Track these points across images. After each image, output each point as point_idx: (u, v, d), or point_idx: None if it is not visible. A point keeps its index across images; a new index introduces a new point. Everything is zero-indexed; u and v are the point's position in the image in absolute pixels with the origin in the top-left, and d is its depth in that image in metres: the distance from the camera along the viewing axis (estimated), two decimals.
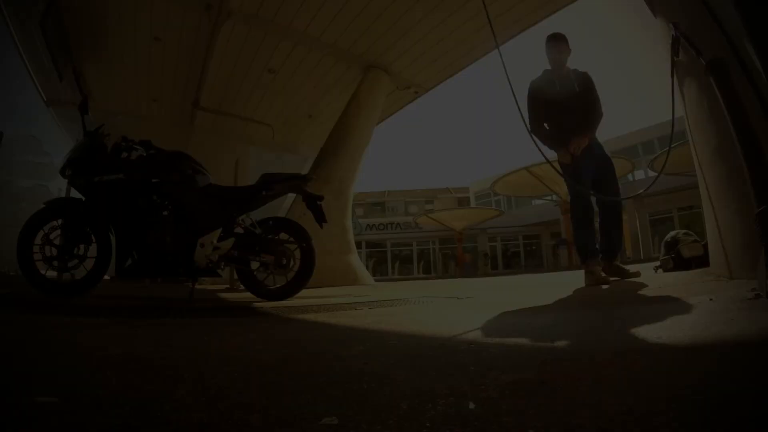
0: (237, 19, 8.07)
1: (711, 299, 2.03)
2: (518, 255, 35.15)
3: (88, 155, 3.53)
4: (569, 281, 4.72)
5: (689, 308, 1.92)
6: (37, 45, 8.00)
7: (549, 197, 27.28)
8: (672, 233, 4.76)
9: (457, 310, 2.74)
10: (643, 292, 2.96)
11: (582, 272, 3.94)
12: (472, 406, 0.80)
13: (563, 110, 4.08)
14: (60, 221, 3.46)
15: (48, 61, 8.31)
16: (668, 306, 2.12)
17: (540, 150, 3.80)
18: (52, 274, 3.46)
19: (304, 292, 3.97)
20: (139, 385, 1.02)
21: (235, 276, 3.75)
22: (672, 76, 3.34)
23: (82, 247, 3.51)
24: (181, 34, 8.48)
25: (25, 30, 7.94)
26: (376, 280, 10.08)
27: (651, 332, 1.45)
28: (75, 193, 3.59)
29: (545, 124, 4.18)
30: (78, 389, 0.97)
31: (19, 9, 7.52)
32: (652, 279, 3.77)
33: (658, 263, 4.82)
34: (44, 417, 0.77)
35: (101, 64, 9.45)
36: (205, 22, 8.03)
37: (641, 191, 7.27)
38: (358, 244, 10.39)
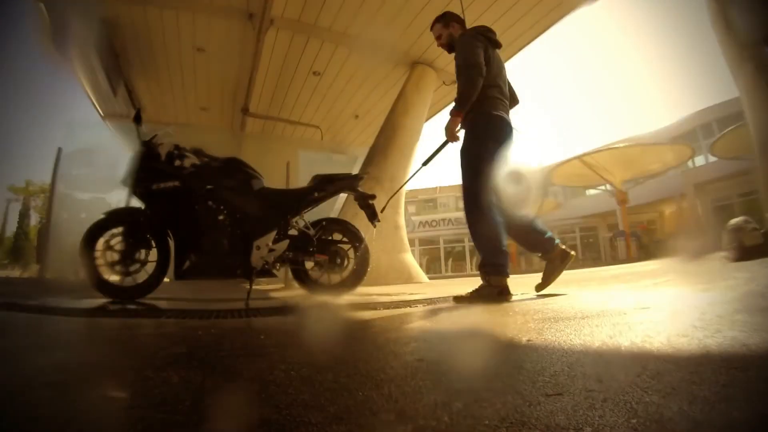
0: (279, 25, 8.24)
1: None
2: (575, 248, 34.00)
3: (145, 164, 3.71)
4: (629, 274, 4.53)
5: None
6: (92, 64, 8.50)
7: (602, 187, 26.16)
8: (734, 221, 4.50)
9: (514, 306, 2.69)
10: (709, 285, 2.80)
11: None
12: (528, 405, 0.79)
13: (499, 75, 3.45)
14: (121, 228, 3.67)
15: (103, 78, 8.85)
16: (738, 298, 2.00)
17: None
18: (115, 278, 3.66)
19: (358, 291, 4.01)
20: (200, 382, 1.07)
21: (290, 276, 3.84)
22: (725, 53, 3.12)
23: (143, 251, 3.71)
24: (225, 44, 8.77)
25: (79, 51, 8.41)
26: (429, 278, 10.04)
27: (719, 331, 1.38)
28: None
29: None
30: (143, 387, 1.03)
31: (73, 30, 7.96)
32: (718, 271, 3.56)
33: (726, 253, 4.56)
34: (115, 412, 0.83)
35: (151, 77, 9.96)
36: (249, 30, 8.24)
37: None
38: (411, 242, 10.32)
